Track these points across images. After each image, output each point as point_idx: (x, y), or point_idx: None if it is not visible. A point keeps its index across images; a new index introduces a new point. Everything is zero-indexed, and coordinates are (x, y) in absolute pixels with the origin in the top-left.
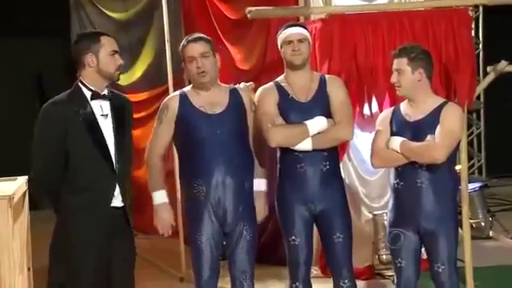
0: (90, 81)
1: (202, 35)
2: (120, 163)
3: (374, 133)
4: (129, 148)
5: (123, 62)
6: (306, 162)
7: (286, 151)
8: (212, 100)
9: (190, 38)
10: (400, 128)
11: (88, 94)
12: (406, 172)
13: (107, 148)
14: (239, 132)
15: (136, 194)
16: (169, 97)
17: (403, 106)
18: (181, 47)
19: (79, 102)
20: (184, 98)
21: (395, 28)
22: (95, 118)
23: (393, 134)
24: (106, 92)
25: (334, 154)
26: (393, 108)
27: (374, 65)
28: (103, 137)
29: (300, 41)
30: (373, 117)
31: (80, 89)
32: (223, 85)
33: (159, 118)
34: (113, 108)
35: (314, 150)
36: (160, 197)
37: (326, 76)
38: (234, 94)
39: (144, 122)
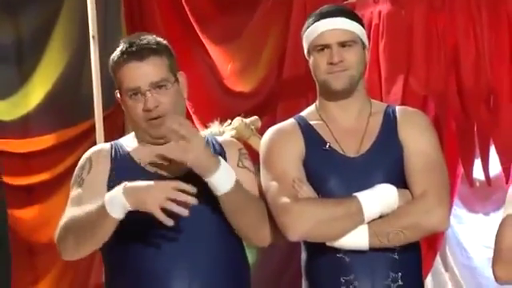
0: None
1: (150, 39)
2: None
3: (495, 216)
4: None
5: None
6: (357, 272)
7: (319, 251)
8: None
9: (127, 49)
10: None
11: None
12: None
13: None
14: (220, 214)
15: None
16: (93, 149)
17: None
18: (112, 63)
19: None
20: (120, 153)
21: None
22: None
23: None
24: None
25: (412, 257)
26: None
27: (493, 82)
28: None
29: (344, 45)
30: (491, 184)
31: None
32: None
33: (78, 179)
34: None
35: (372, 250)
36: (112, 192)
37: (397, 108)
38: (211, 146)
39: (47, 192)
